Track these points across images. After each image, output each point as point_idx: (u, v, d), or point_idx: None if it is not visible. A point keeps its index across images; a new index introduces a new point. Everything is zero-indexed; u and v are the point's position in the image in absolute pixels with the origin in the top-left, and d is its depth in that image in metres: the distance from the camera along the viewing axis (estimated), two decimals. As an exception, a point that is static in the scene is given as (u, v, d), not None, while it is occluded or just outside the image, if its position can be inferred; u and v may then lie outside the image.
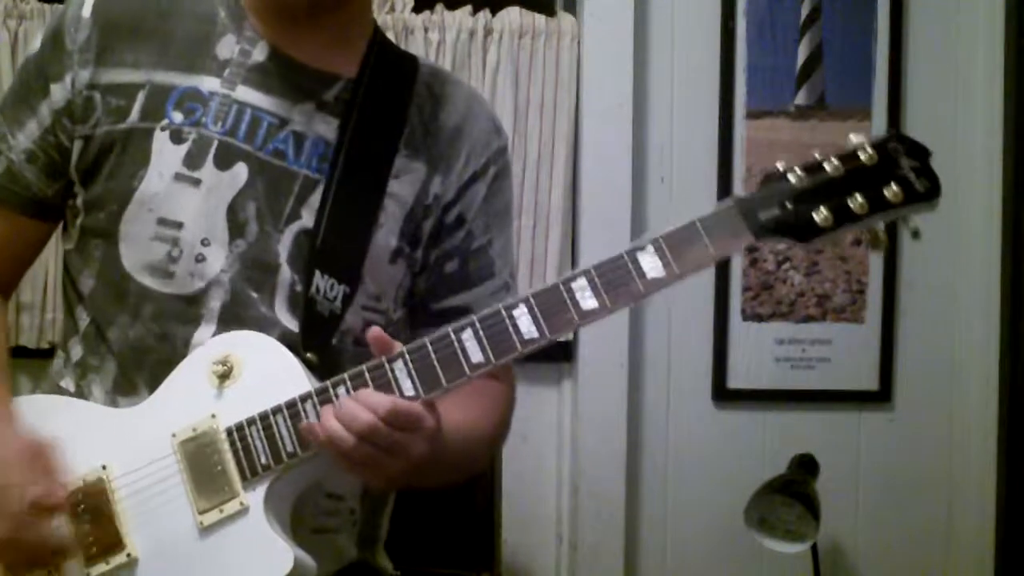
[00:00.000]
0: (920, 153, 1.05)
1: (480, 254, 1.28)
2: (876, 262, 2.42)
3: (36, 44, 1.22)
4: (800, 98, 2.41)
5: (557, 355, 2.38)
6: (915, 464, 2.46)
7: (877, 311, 2.43)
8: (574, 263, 2.36)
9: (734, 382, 2.43)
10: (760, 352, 2.42)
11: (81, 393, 1.20)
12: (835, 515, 2.35)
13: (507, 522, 2.27)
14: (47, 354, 2.20)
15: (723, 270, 2.41)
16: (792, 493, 2.20)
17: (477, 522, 2.19)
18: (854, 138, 1.06)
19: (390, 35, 2.27)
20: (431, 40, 2.31)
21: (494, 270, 1.29)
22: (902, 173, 1.04)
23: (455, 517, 2.13)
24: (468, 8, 2.35)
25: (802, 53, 2.41)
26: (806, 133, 2.40)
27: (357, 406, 1.02)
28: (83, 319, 1.21)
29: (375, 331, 1.07)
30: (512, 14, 2.35)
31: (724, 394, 2.43)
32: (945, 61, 2.45)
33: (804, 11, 2.41)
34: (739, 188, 2.38)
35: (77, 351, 1.21)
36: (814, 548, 2.20)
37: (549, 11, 2.39)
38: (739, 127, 2.40)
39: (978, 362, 2.44)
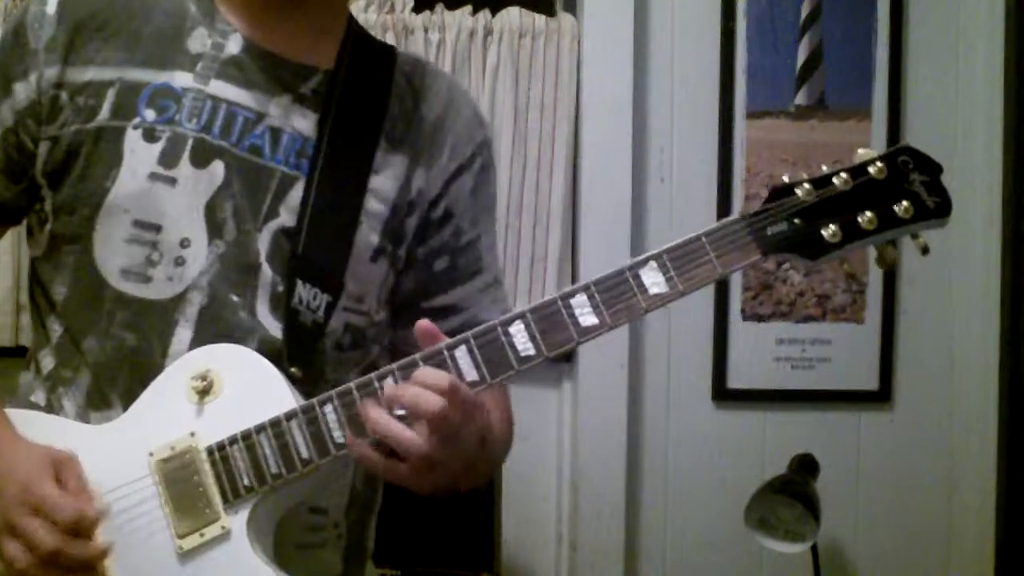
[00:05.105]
0: (931, 168, 1.03)
1: (469, 249, 1.24)
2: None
3: None
4: (800, 98, 2.41)
5: (557, 355, 2.37)
6: (915, 464, 2.46)
7: (877, 311, 2.43)
8: (574, 263, 2.37)
9: (734, 382, 2.43)
10: (760, 352, 2.42)
11: (51, 408, 1.14)
12: (835, 515, 2.35)
13: (507, 522, 2.27)
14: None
15: (723, 270, 2.41)
16: (792, 493, 2.20)
17: (477, 522, 2.19)
18: (862, 152, 1.03)
19: (390, 35, 2.29)
20: (431, 40, 2.31)
21: (483, 265, 1.25)
22: (912, 189, 1.02)
23: (455, 517, 2.14)
24: (468, 8, 2.35)
25: (802, 53, 2.41)
26: (806, 133, 2.40)
27: (423, 391, 0.97)
28: (55, 329, 1.15)
29: (423, 323, 1.03)
30: (512, 14, 2.35)
31: (724, 394, 2.43)
32: (945, 61, 2.45)
33: (804, 11, 2.41)
34: (739, 188, 2.39)
35: (48, 362, 1.15)
36: (814, 548, 2.20)
37: (549, 11, 2.39)
38: (739, 127, 2.40)
39: (978, 362, 2.44)
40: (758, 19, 2.40)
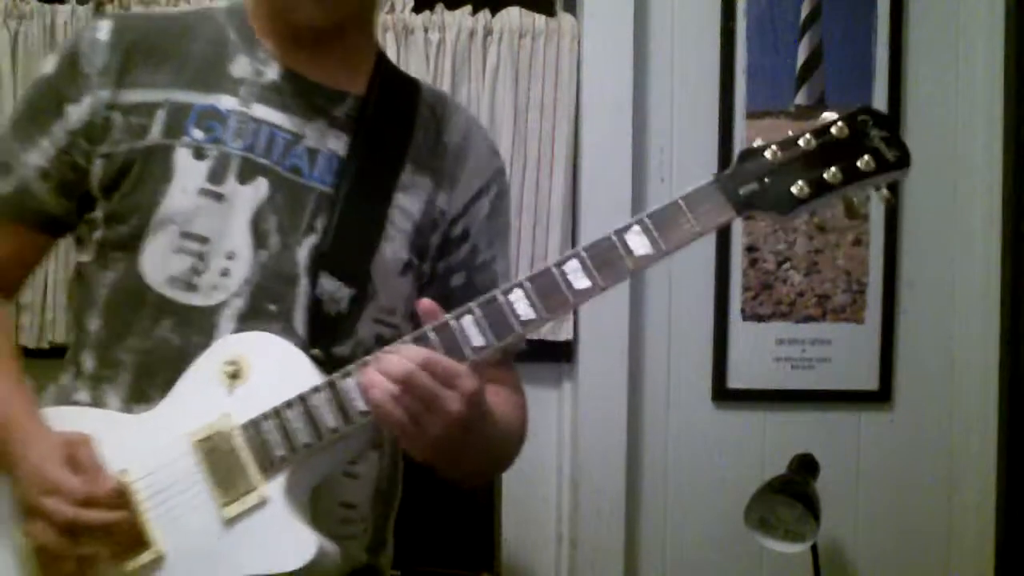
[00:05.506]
0: (888, 124, 1.11)
1: (485, 269, 1.32)
2: (876, 262, 2.43)
3: (50, 66, 1.25)
4: (800, 98, 2.41)
5: (557, 355, 2.38)
6: (915, 464, 2.47)
7: (877, 311, 2.43)
8: (574, 263, 2.36)
9: (734, 382, 2.43)
10: (760, 352, 2.42)
11: (96, 405, 1.21)
12: (835, 515, 2.35)
13: (507, 521, 2.27)
14: (47, 354, 2.22)
15: (723, 270, 2.41)
16: (792, 493, 2.21)
17: (477, 522, 2.19)
18: (825, 115, 1.12)
19: (390, 35, 2.29)
20: (431, 40, 2.32)
21: (498, 285, 1.31)
22: (873, 144, 1.10)
23: (455, 517, 2.14)
24: (468, 8, 2.35)
25: (802, 53, 2.41)
26: (806, 133, 2.39)
27: (395, 356, 1.07)
28: (97, 330, 1.22)
29: (425, 301, 1.11)
30: (512, 14, 2.35)
31: (724, 394, 2.43)
32: (945, 61, 2.45)
33: (804, 11, 2.41)
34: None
35: (90, 363, 1.22)
36: (814, 548, 2.20)
37: (549, 11, 2.39)
38: (739, 127, 2.40)
39: (978, 362, 2.44)
40: (758, 19, 2.40)
